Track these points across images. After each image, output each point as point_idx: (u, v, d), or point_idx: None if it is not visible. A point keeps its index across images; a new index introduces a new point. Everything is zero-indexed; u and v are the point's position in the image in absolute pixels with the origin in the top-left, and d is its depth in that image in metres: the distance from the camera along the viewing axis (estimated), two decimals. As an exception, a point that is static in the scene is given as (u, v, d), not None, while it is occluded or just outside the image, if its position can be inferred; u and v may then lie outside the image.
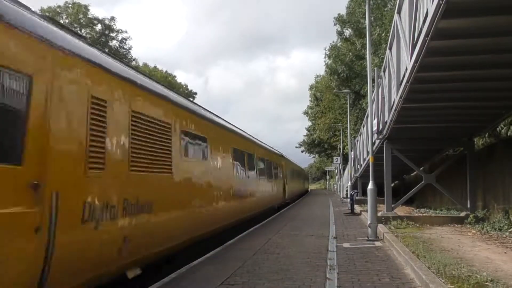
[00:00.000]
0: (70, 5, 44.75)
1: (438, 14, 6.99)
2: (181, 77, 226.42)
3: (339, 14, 42.42)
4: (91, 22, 46.36)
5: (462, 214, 15.34)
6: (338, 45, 43.76)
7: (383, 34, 29.64)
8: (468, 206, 15.43)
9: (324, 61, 45.86)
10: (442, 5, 6.73)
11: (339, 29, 42.94)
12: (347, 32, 42.76)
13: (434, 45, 8.20)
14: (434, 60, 9.07)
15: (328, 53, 44.28)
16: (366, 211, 13.96)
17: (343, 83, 41.78)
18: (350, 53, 40.03)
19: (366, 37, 14.08)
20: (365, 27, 14.45)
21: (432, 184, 16.67)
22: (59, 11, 44.53)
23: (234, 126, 15.63)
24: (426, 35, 7.88)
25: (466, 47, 8.55)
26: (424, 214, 16.86)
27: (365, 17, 13.82)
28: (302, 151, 79.88)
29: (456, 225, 14.63)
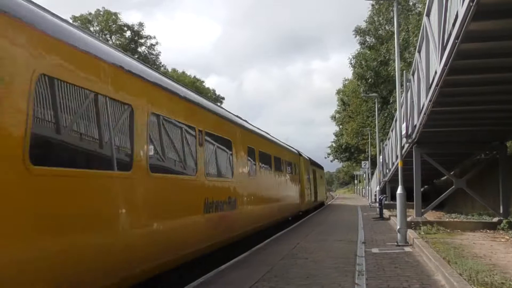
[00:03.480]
0: (101, 12, 45.65)
1: (469, 16, 6.89)
2: (214, 81, 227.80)
3: (357, 26, 43.02)
4: (121, 28, 47.19)
5: (495, 219, 15.00)
6: (363, 52, 43.89)
7: (410, 38, 29.48)
8: (501, 211, 15.08)
9: (350, 68, 46.09)
10: (472, 7, 6.63)
11: (359, 39, 43.33)
12: (370, 40, 43.00)
13: (464, 48, 8.07)
14: (464, 63, 8.92)
15: (352, 62, 44.45)
16: (395, 216, 13.80)
17: (371, 88, 41.70)
18: (375, 61, 40.10)
19: (387, 43, 14.04)
20: (384, 36, 14.40)
21: (463, 188, 16.36)
22: (90, 18, 45.48)
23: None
24: (456, 37, 7.77)
25: (497, 49, 8.39)
26: (455, 219, 16.54)
27: (383, 27, 13.76)
28: (331, 161, 79.29)
29: (488, 230, 14.32)
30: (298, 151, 25.29)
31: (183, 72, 62.95)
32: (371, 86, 41.77)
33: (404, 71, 16.03)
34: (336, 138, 74.80)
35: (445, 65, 8.99)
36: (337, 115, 70.51)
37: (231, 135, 11.47)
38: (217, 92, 72.03)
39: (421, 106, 13.28)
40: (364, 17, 42.96)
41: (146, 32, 47.69)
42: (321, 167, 39.77)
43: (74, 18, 43.89)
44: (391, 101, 36.93)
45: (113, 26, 45.94)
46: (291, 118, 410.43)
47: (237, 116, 13.19)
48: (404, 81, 15.50)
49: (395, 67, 14.49)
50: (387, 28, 39.47)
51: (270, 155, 16.56)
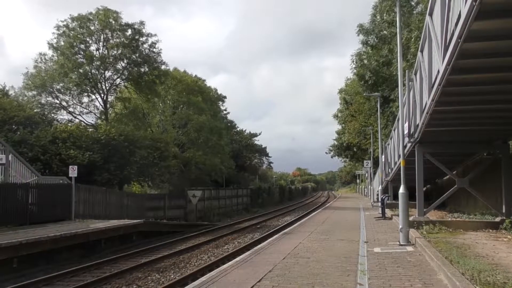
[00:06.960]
0: (100, 11, 45.58)
1: (471, 15, 6.88)
2: (223, 78, 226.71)
3: (360, 24, 42.48)
4: (121, 27, 47.14)
5: (497, 219, 14.98)
6: (363, 52, 43.57)
7: (412, 39, 29.41)
8: (503, 211, 15.06)
9: (351, 69, 45.95)
10: (475, 6, 6.62)
11: (362, 38, 42.94)
12: (372, 39, 42.63)
13: (467, 47, 8.06)
14: (467, 62, 8.91)
15: (354, 59, 44.24)
16: (398, 215, 13.78)
17: (371, 88, 41.51)
18: (376, 61, 39.87)
19: (389, 44, 13.97)
20: (387, 36, 14.32)
21: (466, 188, 16.34)
22: (91, 18, 45.42)
23: None
24: (459, 37, 7.76)
25: (500, 48, 8.37)
26: (458, 219, 16.53)
27: (387, 27, 13.68)
28: (332, 157, 79.34)
29: (491, 230, 14.31)
30: None
31: (185, 71, 62.85)
32: (371, 86, 41.62)
33: (406, 71, 15.99)
34: (338, 136, 74.74)
35: (448, 64, 8.98)
36: (339, 114, 70.40)
37: None
38: (219, 91, 71.74)
39: (424, 105, 13.26)
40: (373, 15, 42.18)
41: (148, 30, 47.89)
42: None
43: (73, 18, 43.80)
44: (392, 99, 36.75)
45: (114, 24, 45.85)
46: (300, 116, 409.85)
47: None
48: (407, 80, 15.48)
49: (397, 67, 14.45)
50: (390, 29, 39.26)
51: None
